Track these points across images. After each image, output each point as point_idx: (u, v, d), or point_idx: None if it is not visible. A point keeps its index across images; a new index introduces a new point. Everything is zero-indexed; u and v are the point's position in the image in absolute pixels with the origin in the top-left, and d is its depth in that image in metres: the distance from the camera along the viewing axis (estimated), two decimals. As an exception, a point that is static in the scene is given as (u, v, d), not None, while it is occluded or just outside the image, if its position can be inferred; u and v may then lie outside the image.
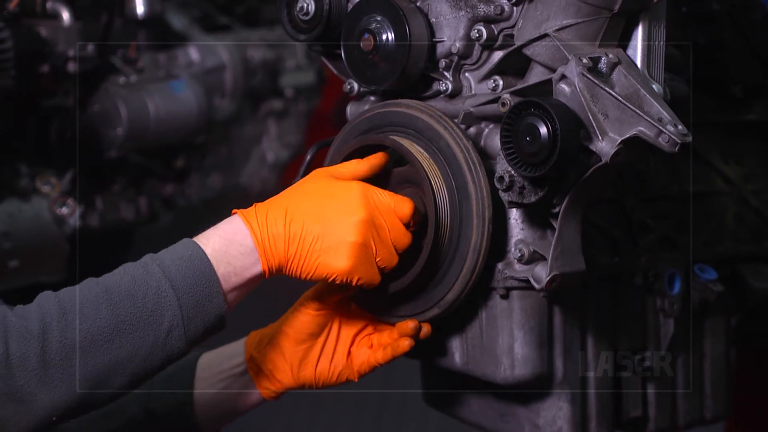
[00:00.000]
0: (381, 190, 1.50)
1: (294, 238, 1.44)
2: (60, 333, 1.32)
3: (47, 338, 1.31)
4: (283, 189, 1.51)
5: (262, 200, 1.47)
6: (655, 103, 1.45)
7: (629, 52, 1.54)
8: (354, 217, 1.45)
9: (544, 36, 1.52)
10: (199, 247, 1.41)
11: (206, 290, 1.39)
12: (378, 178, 1.60)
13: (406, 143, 1.56)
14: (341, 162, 1.58)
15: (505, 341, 1.62)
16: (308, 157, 1.74)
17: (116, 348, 1.34)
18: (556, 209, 1.53)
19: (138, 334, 1.35)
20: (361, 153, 1.60)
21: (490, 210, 1.54)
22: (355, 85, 1.73)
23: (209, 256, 1.41)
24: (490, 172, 1.55)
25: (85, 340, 1.33)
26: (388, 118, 1.62)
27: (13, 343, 1.29)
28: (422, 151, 1.56)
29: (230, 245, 1.42)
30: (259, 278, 1.45)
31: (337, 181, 1.49)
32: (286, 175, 3.54)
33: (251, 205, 1.47)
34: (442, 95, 1.64)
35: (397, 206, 1.50)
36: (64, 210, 2.62)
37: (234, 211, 1.46)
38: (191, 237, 1.43)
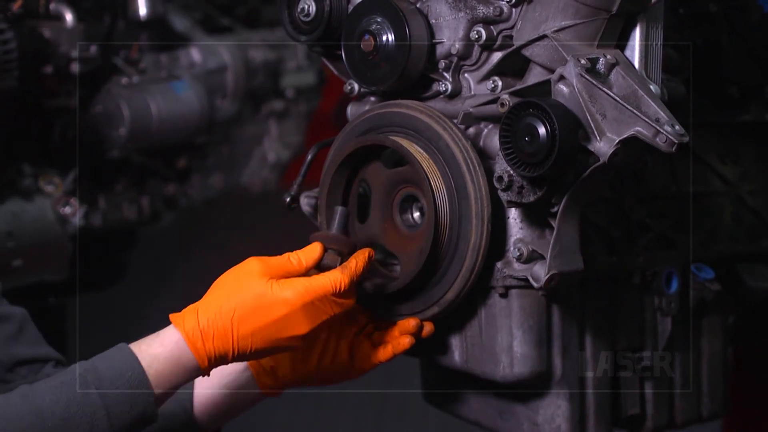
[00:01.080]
0: (317, 283, 1.47)
1: (241, 357, 1.46)
2: None
3: None
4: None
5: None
6: (653, 103, 1.46)
7: (627, 53, 1.55)
8: (297, 333, 1.46)
9: (543, 37, 1.53)
10: (141, 369, 1.41)
11: (141, 411, 1.41)
12: (377, 180, 1.61)
13: (405, 143, 1.57)
14: (345, 156, 1.59)
15: (504, 340, 1.63)
16: (309, 157, 1.75)
17: None
18: (555, 209, 1.54)
19: None
20: (360, 153, 1.62)
21: (489, 209, 1.55)
22: (356, 86, 1.74)
23: (150, 380, 1.41)
24: (489, 172, 1.56)
25: None
26: (387, 118, 1.63)
27: None
28: (422, 151, 1.57)
29: (175, 368, 1.43)
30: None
31: (272, 291, 1.45)
32: (287, 175, 3.55)
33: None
34: (441, 96, 1.65)
35: (337, 286, 1.48)
36: (67, 209, 2.63)
37: (176, 324, 1.45)
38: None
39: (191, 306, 1.48)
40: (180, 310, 1.48)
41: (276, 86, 3.48)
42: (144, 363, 1.42)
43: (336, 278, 1.48)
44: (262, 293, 1.45)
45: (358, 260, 1.52)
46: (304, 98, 3.59)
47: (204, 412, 1.64)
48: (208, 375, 1.47)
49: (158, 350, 1.43)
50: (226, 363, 1.47)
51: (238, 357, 1.46)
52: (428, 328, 1.60)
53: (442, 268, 1.57)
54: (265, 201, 3.31)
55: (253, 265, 1.48)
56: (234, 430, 1.69)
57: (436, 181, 1.55)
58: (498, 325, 1.63)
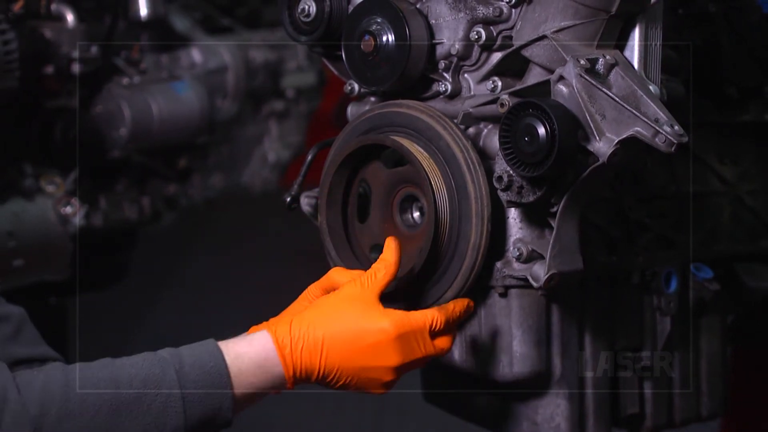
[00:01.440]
0: (415, 317, 1.48)
1: (326, 378, 1.44)
2: (56, 423, 1.30)
3: (42, 424, 1.29)
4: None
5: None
6: (652, 103, 1.46)
7: (626, 53, 1.55)
8: (389, 364, 1.45)
9: (543, 37, 1.53)
10: (224, 363, 1.39)
11: (217, 405, 1.38)
12: (377, 179, 1.61)
13: (406, 143, 1.57)
14: (346, 156, 1.59)
15: (504, 339, 1.63)
16: (309, 158, 1.76)
17: None
18: (555, 209, 1.54)
19: None
20: (361, 153, 1.62)
21: (489, 209, 1.55)
22: (356, 86, 1.74)
23: (232, 376, 1.39)
24: (489, 172, 1.57)
25: None
26: (388, 118, 1.63)
27: (7, 417, 1.28)
28: (422, 150, 1.58)
29: (258, 371, 1.41)
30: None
31: (370, 318, 1.45)
32: (287, 175, 3.55)
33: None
34: (441, 96, 1.65)
35: (435, 323, 1.49)
36: (68, 209, 2.63)
37: (268, 330, 1.43)
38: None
39: (285, 314, 1.48)
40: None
41: (276, 86, 3.48)
42: (228, 358, 1.40)
43: (433, 315, 1.48)
44: (359, 318, 1.45)
45: (456, 305, 1.52)
46: (304, 98, 3.59)
47: None
48: (292, 388, 1.44)
49: (245, 349, 1.42)
50: (310, 381, 1.44)
51: (323, 376, 1.44)
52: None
53: (442, 267, 1.58)
54: (265, 201, 3.31)
55: (352, 289, 1.47)
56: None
57: (437, 180, 1.56)
58: (497, 324, 1.64)
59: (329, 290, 1.55)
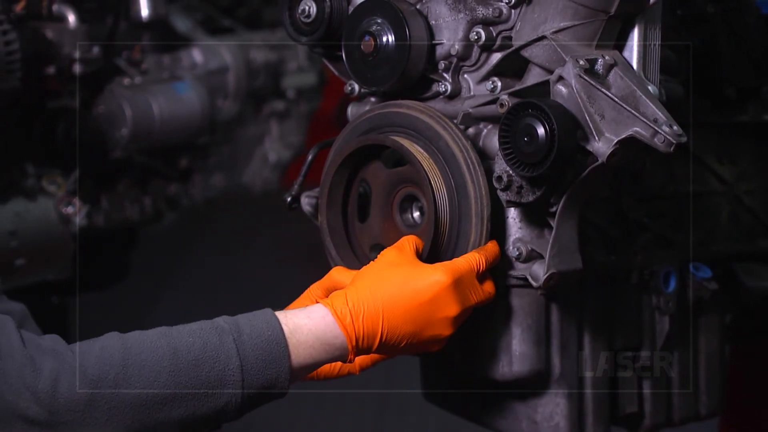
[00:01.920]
0: (461, 262, 1.50)
1: (388, 342, 1.44)
2: (114, 386, 1.30)
3: (100, 386, 1.29)
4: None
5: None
6: (651, 104, 1.47)
7: (625, 53, 1.56)
8: (449, 314, 1.47)
9: (542, 38, 1.54)
10: (282, 333, 1.39)
11: (274, 376, 1.38)
12: (377, 179, 1.61)
13: (406, 143, 1.58)
14: (346, 156, 1.60)
15: (503, 338, 1.64)
16: (310, 158, 1.76)
17: (167, 412, 1.32)
18: (554, 208, 1.55)
19: (193, 403, 1.33)
20: (361, 153, 1.63)
21: (489, 209, 1.56)
22: (356, 87, 1.75)
23: (290, 347, 1.39)
24: (488, 172, 1.57)
25: (137, 400, 1.30)
26: (388, 118, 1.64)
27: (63, 380, 1.28)
28: (422, 150, 1.58)
29: (317, 342, 1.41)
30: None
31: (421, 274, 1.46)
32: (287, 175, 3.55)
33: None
34: (441, 96, 1.66)
35: (479, 265, 1.51)
36: (70, 209, 2.64)
37: (324, 303, 1.43)
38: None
39: (338, 291, 1.47)
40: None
41: (277, 87, 3.49)
42: (286, 329, 1.40)
43: (475, 258, 1.51)
44: (409, 276, 1.46)
45: (489, 246, 1.54)
46: (304, 99, 3.59)
47: None
48: (352, 361, 1.44)
49: (303, 321, 1.41)
50: (372, 348, 1.44)
51: (386, 341, 1.43)
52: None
53: None
54: (266, 200, 3.31)
55: (391, 255, 1.49)
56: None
57: (436, 180, 1.57)
58: (497, 323, 1.64)
59: (331, 290, 1.55)
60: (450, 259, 1.56)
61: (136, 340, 1.35)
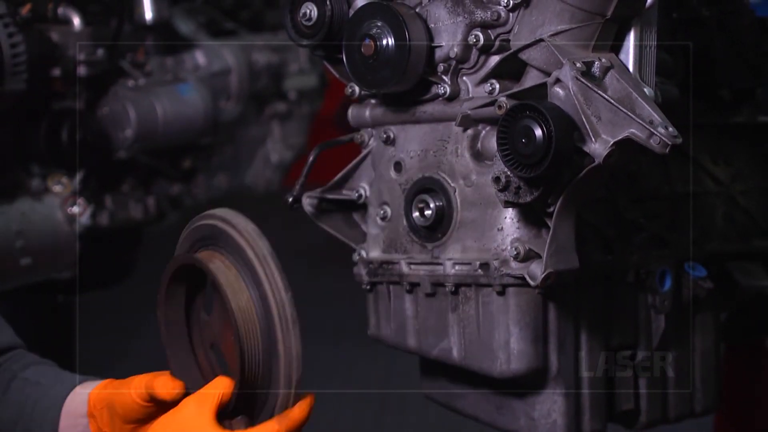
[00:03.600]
0: None
1: None
2: None
3: None
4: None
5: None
6: (647, 105, 1.48)
7: (621, 56, 1.57)
8: None
9: (539, 41, 1.55)
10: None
11: None
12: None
13: (229, 286, 1.34)
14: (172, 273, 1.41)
15: (502, 336, 1.65)
16: (311, 158, 1.78)
17: None
18: (551, 209, 1.56)
19: None
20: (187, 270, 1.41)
21: (299, 372, 1.33)
22: (357, 89, 1.76)
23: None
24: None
25: None
26: (216, 233, 1.38)
27: None
28: (242, 297, 1.34)
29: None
30: None
31: None
32: (289, 176, 3.57)
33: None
34: (440, 98, 1.67)
35: None
36: (75, 209, 2.65)
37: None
38: None
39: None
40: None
41: (279, 89, 3.50)
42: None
43: (272, 428, 1.33)
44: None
45: (297, 409, 1.35)
46: (306, 100, 3.61)
47: None
48: None
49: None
50: None
51: None
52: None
53: (265, 373, 1.35)
54: (268, 201, 3.33)
55: (188, 411, 1.35)
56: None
57: (249, 336, 1.34)
58: (495, 322, 1.65)
59: (149, 397, 1.41)
60: (261, 408, 1.37)
61: None
